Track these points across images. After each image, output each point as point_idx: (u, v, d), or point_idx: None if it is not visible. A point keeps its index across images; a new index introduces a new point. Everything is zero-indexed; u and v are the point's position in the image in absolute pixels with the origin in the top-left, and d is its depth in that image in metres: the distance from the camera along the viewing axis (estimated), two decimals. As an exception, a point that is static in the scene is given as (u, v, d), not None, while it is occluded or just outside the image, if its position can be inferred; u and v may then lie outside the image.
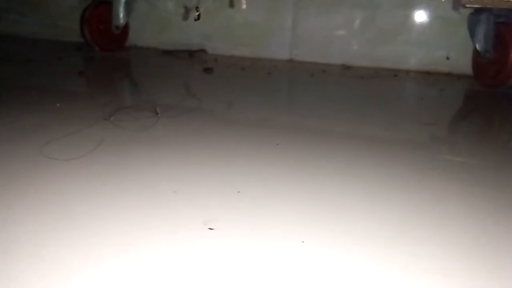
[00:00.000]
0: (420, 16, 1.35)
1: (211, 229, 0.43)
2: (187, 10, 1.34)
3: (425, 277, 0.37)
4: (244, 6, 1.13)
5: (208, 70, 1.25)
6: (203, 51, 1.52)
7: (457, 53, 1.31)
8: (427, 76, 1.31)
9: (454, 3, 1.20)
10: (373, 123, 0.85)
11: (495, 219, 0.48)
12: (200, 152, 0.64)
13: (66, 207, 0.46)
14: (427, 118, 0.89)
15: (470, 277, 0.38)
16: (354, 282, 0.36)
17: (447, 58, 1.33)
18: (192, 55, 1.48)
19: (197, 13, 1.06)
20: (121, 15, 1.40)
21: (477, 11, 1.14)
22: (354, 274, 0.37)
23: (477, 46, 1.14)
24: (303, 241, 0.41)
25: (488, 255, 0.41)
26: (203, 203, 0.48)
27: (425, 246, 0.42)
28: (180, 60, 1.44)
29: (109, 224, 0.43)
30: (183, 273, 0.36)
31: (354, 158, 0.64)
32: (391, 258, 0.40)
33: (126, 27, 1.48)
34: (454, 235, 0.44)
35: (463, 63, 1.27)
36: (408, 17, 1.36)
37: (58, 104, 0.84)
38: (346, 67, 1.39)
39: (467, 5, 1.10)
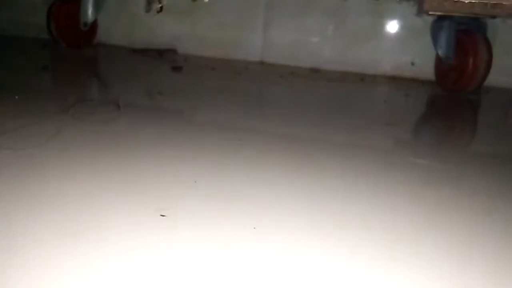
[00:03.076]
0: (387, 22, 1.38)
1: (163, 215, 0.42)
2: (149, 2, 1.33)
3: (388, 278, 0.38)
4: (206, 0, 1.13)
5: (176, 68, 1.25)
6: (173, 50, 1.51)
7: (421, 59, 1.34)
8: (393, 81, 1.34)
9: (418, 10, 1.24)
10: (337, 126, 0.86)
11: (459, 218, 0.49)
12: (158, 147, 0.63)
13: (13, 195, 0.45)
14: (390, 121, 0.91)
15: (434, 277, 0.38)
16: (304, 278, 0.36)
17: (412, 64, 1.36)
18: (162, 55, 1.47)
19: (160, 5, 1.05)
20: (90, 11, 1.38)
21: (440, 19, 1.17)
22: (305, 268, 0.37)
23: (439, 52, 1.17)
24: (254, 227, 0.41)
25: (454, 256, 0.41)
26: (157, 192, 0.48)
27: (389, 249, 0.42)
28: (149, 59, 1.43)
29: (58, 213, 0.42)
30: (134, 259, 0.36)
31: (313, 159, 0.65)
32: (354, 262, 0.40)
33: (94, 24, 1.46)
34: (416, 236, 0.45)
35: (427, 69, 1.31)
36: (376, 24, 1.39)
37: (16, 97, 0.82)
38: (315, 71, 1.41)
39: (430, 12, 1.13)
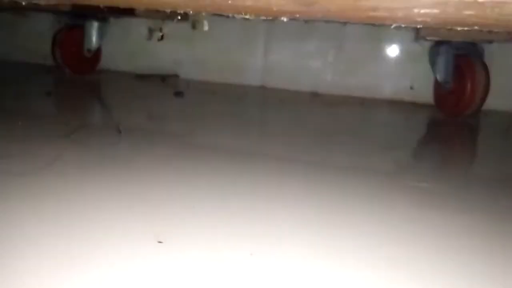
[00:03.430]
0: (386, 48, 1.41)
1: (160, 242, 0.42)
2: (150, 31, 1.36)
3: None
4: (206, 28, 1.16)
5: (178, 94, 1.26)
6: (175, 76, 1.53)
7: (420, 83, 1.36)
8: (392, 105, 1.35)
9: (416, 36, 1.26)
10: (337, 149, 0.87)
11: (459, 242, 0.49)
12: (158, 171, 0.63)
13: (13, 219, 0.45)
14: (390, 144, 0.91)
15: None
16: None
17: (411, 88, 1.38)
18: (165, 80, 1.49)
19: (161, 34, 1.08)
20: (94, 38, 1.41)
21: (437, 44, 1.19)
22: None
23: (437, 77, 1.19)
24: (251, 254, 0.41)
25: (453, 280, 0.41)
26: (155, 217, 0.48)
27: (389, 273, 0.42)
28: (152, 84, 1.45)
29: (55, 237, 0.42)
30: (130, 286, 0.36)
31: (312, 183, 0.65)
32: (353, 286, 0.40)
33: (98, 51, 1.49)
34: (415, 260, 0.45)
35: (426, 93, 1.32)
36: (375, 49, 1.41)
37: (20, 123, 0.83)
38: (315, 95, 1.43)
39: (428, 38, 1.15)
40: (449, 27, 0.46)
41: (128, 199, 0.52)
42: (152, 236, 0.43)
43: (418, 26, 0.63)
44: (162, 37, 1.11)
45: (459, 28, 0.50)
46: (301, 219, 0.50)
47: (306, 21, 1.44)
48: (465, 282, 0.40)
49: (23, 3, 0.58)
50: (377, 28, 1.39)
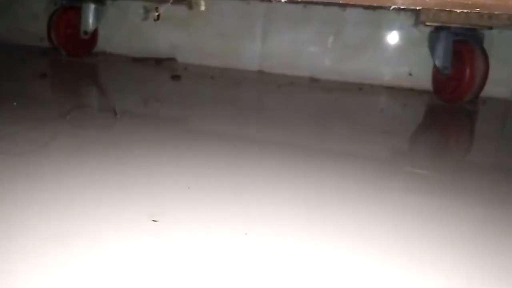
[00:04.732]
0: (385, 33, 1.39)
1: (155, 221, 0.42)
2: (146, 11, 1.35)
3: None
4: (203, 8, 1.14)
5: (176, 77, 1.25)
6: (173, 59, 1.52)
7: (419, 69, 1.35)
8: (391, 91, 1.35)
9: (415, 21, 1.25)
10: (335, 135, 0.87)
11: (454, 228, 0.49)
12: (153, 153, 0.63)
13: (8, 198, 0.45)
14: (388, 130, 0.91)
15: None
16: (294, 277, 0.36)
17: (410, 74, 1.37)
18: (162, 63, 1.48)
19: (157, 14, 1.07)
20: (90, 20, 1.39)
21: (437, 29, 1.18)
22: (296, 276, 0.37)
23: (436, 63, 1.18)
24: (246, 233, 0.41)
25: (446, 265, 0.41)
26: (150, 197, 0.48)
27: (383, 259, 0.42)
28: (149, 67, 1.44)
29: (50, 217, 0.42)
30: (127, 265, 0.36)
31: (309, 167, 0.65)
32: (347, 270, 0.40)
33: (95, 33, 1.47)
34: (411, 246, 0.45)
35: (425, 79, 1.31)
36: (374, 34, 1.40)
37: (15, 104, 0.82)
38: (314, 80, 1.42)
39: (427, 23, 1.14)
40: (448, 9, 0.45)
41: (123, 180, 0.52)
42: (146, 215, 0.43)
43: (418, 8, 0.62)
44: (158, 17, 1.10)
45: (458, 11, 0.49)
46: (297, 202, 0.50)
47: (304, 6, 1.42)
48: (460, 266, 0.40)
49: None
50: (376, 14, 1.38)
